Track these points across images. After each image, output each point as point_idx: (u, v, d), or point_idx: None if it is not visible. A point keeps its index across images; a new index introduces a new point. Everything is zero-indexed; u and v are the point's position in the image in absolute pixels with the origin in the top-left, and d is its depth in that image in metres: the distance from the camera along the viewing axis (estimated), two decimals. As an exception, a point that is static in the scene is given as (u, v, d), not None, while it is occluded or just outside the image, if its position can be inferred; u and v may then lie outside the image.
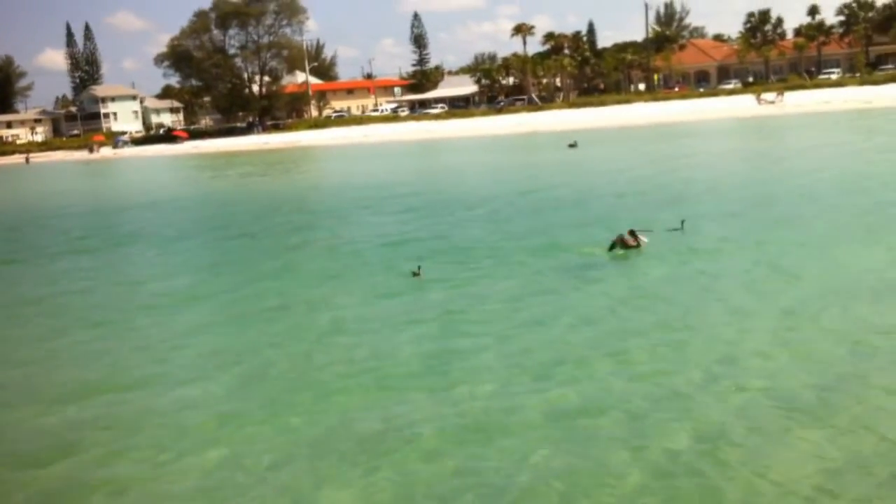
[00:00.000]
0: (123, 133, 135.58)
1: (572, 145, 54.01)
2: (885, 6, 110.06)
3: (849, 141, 44.78)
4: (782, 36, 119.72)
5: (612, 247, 18.35)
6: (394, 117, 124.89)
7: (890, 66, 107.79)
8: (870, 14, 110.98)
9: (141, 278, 21.04)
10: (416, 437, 9.47)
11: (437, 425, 9.74)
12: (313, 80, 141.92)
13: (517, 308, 14.60)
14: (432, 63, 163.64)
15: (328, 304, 16.07)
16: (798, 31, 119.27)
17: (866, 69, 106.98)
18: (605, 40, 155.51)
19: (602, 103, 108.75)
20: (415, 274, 17.18)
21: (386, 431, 9.68)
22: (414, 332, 13.61)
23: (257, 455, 9.34)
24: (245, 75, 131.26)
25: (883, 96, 78.80)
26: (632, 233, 18.50)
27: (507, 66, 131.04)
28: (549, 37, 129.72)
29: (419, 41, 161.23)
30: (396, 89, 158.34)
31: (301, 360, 12.77)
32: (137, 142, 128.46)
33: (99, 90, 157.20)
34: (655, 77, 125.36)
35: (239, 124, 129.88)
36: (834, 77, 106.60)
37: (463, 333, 13.35)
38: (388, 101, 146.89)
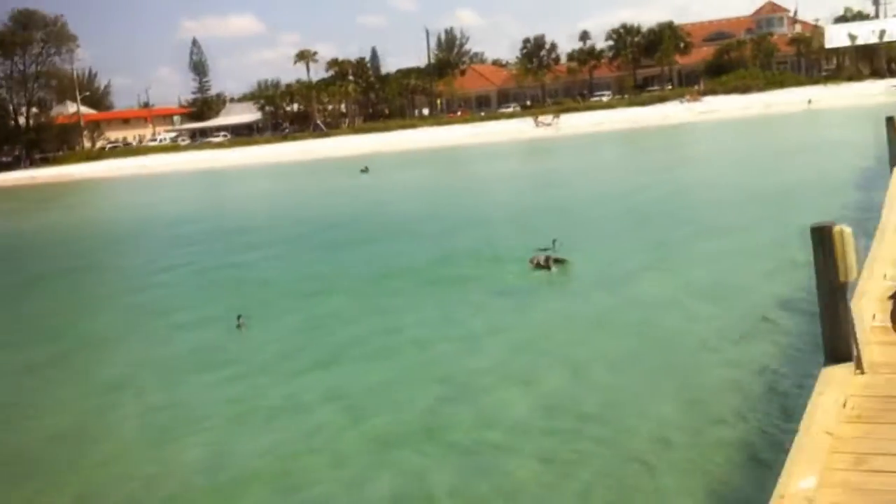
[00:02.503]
0: None
1: (364, 171, 53.89)
2: (650, 31, 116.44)
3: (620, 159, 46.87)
4: (557, 60, 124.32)
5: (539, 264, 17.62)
6: (173, 147, 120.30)
7: (655, 88, 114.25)
8: (636, 38, 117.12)
9: None
10: None
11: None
12: (86, 111, 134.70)
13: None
14: (213, 90, 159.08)
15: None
16: (571, 56, 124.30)
17: (633, 91, 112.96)
18: (389, 66, 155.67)
19: (387, 128, 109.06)
20: (238, 326, 15.46)
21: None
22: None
23: None
24: (10, 107, 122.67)
25: (648, 116, 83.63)
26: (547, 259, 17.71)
27: (290, 92, 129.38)
28: (333, 63, 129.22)
29: (199, 68, 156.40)
30: (176, 118, 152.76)
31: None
32: None
33: None
34: (438, 102, 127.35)
35: (4, 158, 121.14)
36: (605, 99, 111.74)
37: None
38: (167, 131, 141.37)
